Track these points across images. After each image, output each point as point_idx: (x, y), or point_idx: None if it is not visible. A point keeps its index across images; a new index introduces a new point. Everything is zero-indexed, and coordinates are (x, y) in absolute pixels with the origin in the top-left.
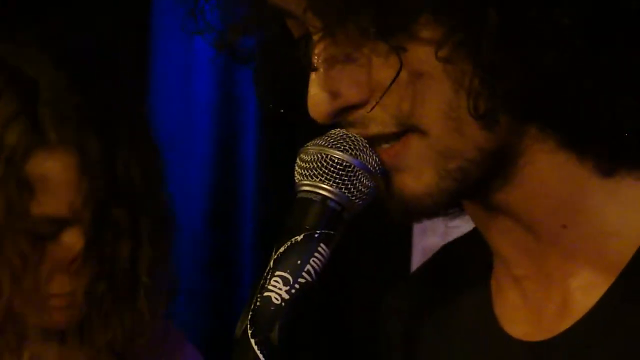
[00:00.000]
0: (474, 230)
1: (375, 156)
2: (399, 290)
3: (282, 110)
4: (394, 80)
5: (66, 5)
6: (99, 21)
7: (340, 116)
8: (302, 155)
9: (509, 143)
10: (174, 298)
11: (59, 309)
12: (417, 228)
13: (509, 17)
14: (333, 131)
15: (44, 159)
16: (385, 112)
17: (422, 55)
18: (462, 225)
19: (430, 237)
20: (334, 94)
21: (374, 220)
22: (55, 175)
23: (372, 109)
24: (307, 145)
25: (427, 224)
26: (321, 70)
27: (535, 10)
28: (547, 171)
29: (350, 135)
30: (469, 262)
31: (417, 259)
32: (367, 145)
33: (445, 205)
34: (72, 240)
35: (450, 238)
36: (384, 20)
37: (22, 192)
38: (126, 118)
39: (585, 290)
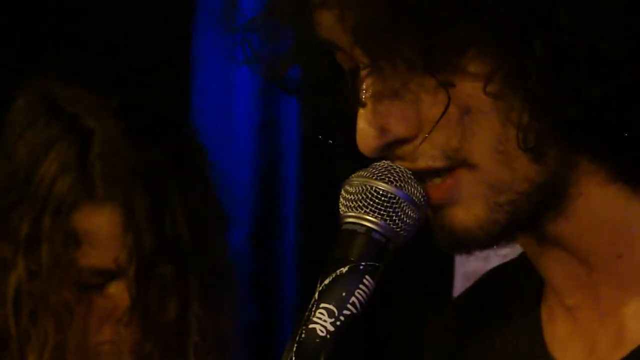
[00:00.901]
0: (522, 256)
1: (420, 188)
2: (444, 315)
3: (330, 141)
4: (442, 115)
5: (104, 27)
6: (139, 45)
7: (389, 150)
8: (347, 187)
9: (560, 175)
10: (228, 353)
11: (106, 355)
12: None
13: (556, 50)
14: (378, 163)
15: (91, 213)
16: (433, 147)
17: (470, 90)
18: (505, 250)
19: (473, 262)
20: (382, 129)
21: (416, 244)
22: (100, 230)
23: (420, 144)
24: (352, 177)
25: None
26: (369, 105)
27: (583, 43)
28: (600, 202)
29: (394, 166)
30: (518, 288)
31: (459, 284)
32: (412, 177)
33: (497, 237)
34: (118, 293)
35: (493, 263)
36: (431, 55)
37: (69, 244)
38: (179, 174)
39: None
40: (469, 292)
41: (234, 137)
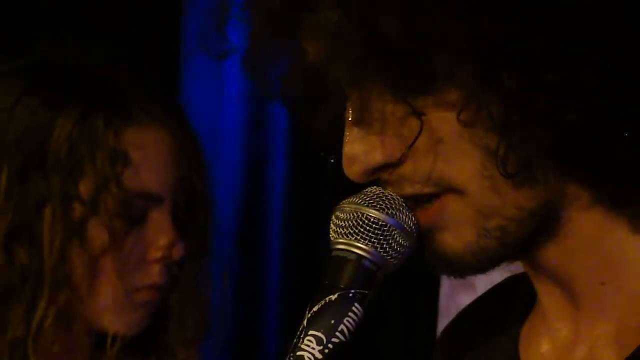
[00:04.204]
0: None
1: (412, 215)
2: (451, 324)
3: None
4: (412, 144)
5: (96, 25)
6: (127, 41)
7: (375, 175)
8: (338, 213)
9: (551, 200)
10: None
11: (142, 307)
12: None
13: (526, 81)
14: (369, 189)
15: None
16: (418, 173)
17: (447, 118)
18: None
19: None
20: (365, 154)
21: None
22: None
23: (401, 171)
24: (343, 203)
25: None
26: (353, 130)
27: (553, 73)
28: (589, 227)
29: (386, 193)
30: (513, 303)
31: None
32: (404, 204)
33: (488, 262)
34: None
35: None
36: (406, 84)
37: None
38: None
39: (611, 348)
40: (474, 302)
41: (222, 135)
